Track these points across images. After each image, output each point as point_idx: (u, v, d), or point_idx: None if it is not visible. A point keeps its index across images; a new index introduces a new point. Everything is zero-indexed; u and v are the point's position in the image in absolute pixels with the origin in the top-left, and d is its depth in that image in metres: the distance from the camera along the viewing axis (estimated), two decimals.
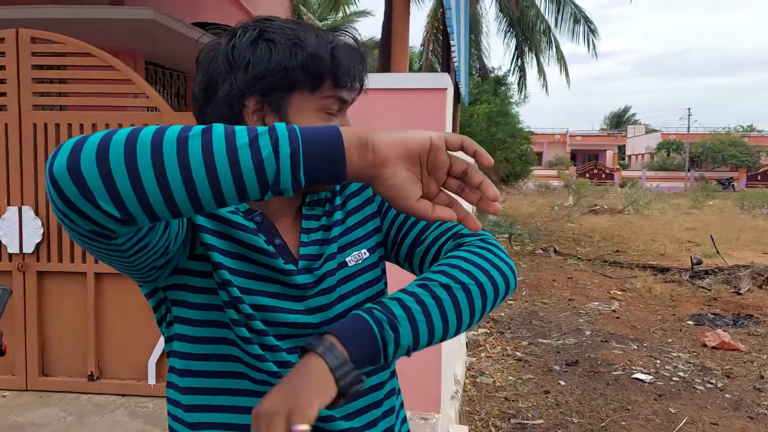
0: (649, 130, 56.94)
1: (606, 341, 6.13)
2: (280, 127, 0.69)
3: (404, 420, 1.08)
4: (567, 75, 21.63)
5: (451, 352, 3.94)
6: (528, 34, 20.05)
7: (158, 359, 3.53)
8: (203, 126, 0.69)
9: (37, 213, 3.55)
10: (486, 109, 14.52)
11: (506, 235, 12.50)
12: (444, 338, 0.86)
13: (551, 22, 19.94)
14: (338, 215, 1.00)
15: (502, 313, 7.10)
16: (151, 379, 3.51)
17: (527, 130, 21.88)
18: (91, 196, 0.66)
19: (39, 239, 3.54)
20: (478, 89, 17.24)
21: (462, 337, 5.62)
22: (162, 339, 3.45)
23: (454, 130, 10.05)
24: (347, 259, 0.98)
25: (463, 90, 8.74)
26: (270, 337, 0.91)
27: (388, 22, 10.56)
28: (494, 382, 4.94)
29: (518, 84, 20.99)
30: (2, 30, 3.55)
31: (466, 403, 4.46)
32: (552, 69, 28.71)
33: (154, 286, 0.94)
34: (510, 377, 5.08)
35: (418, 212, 0.73)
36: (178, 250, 0.90)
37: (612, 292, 8.50)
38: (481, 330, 6.38)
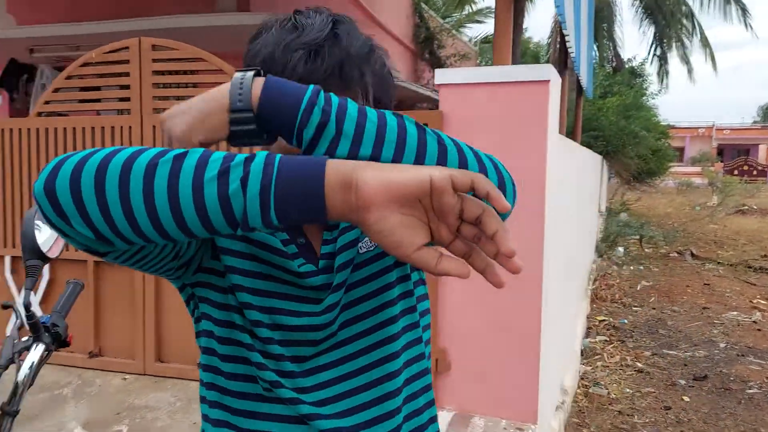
0: None
1: (742, 355, 5.54)
2: (258, 158, 0.64)
3: (433, 419, 0.99)
4: (714, 62, 19.94)
5: (554, 360, 3.73)
6: (668, 19, 18.68)
7: None
8: (179, 151, 0.66)
9: None
10: (617, 101, 13.67)
11: (637, 237, 11.73)
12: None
13: (695, 6, 18.47)
14: None
15: (625, 320, 6.65)
16: None
17: (665, 123, 20.37)
18: (66, 218, 0.66)
19: None
20: (609, 81, 16.28)
21: (576, 345, 5.32)
22: None
23: (575, 125, 9.55)
24: (360, 245, 0.90)
25: (585, 82, 8.27)
26: (274, 346, 0.87)
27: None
28: (609, 393, 4.62)
29: (658, 74, 19.65)
30: (126, 39, 3.83)
31: (575, 415, 4.20)
32: (695, 57, 26.66)
33: (181, 283, 0.95)
34: (627, 389, 4.73)
35: (418, 263, 0.64)
36: (198, 251, 0.89)
37: (755, 301, 7.69)
38: (599, 337, 6.01)
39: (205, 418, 0.96)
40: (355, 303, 0.89)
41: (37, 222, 1.27)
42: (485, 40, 22.03)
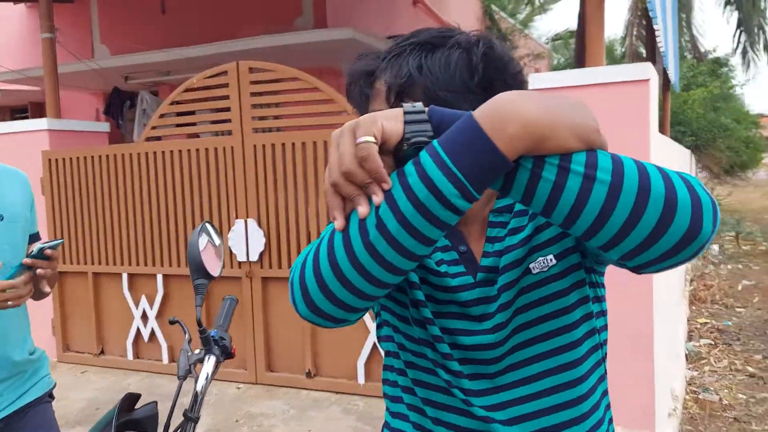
0: None
1: None
2: (422, 157, 0.71)
3: None
4: None
5: (665, 364, 3.62)
6: (750, 7, 17.73)
7: (366, 360, 3.73)
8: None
9: (259, 225, 3.97)
10: (703, 93, 13.11)
11: (732, 234, 11.17)
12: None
13: None
14: (530, 211, 0.93)
15: (729, 322, 6.35)
16: (361, 379, 3.73)
17: (755, 113, 19.34)
18: (335, 318, 0.80)
19: (262, 248, 3.94)
20: (692, 72, 15.65)
21: (680, 348, 5.13)
22: (370, 341, 3.65)
23: (663, 120, 9.23)
24: (531, 266, 0.90)
25: (672, 76, 7.99)
26: (453, 362, 0.91)
27: (584, 9, 10.06)
28: (721, 399, 4.43)
29: (743, 63, 18.67)
30: (225, 64, 4.02)
31: (687, 422, 4.05)
32: None
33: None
34: (740, 395, 4.51)
35: None
36: None
37: None
38: (703, 340, 5.77)
39: (396, 400, 1.01)
40: (526, 326, 0.91)
41: (200, 241, 1.38)
42: (556, 38, 21.62)
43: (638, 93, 2.95)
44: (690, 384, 4.74)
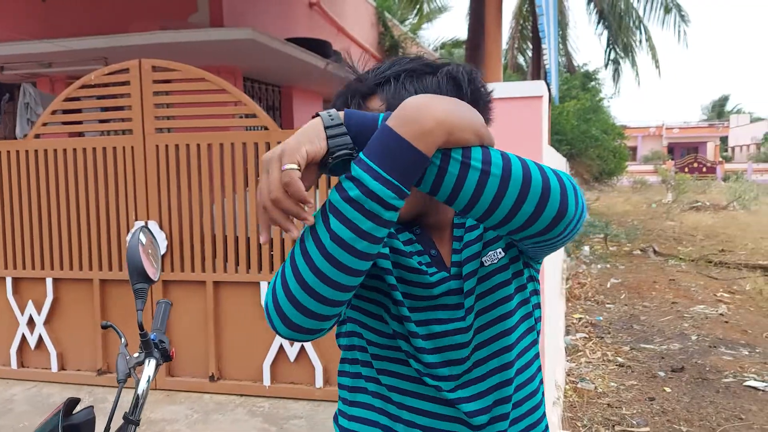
0: (755, 119, 53.23)
1: (714, 347, 5.88)
2: (353, 170, 0.82)
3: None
4: (657, 66, 20.70)
5: (551, 357, 3.95)
6: (619, 23, 19.35)
7: (272, 362, 3.77)
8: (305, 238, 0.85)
9: (161, 227, 3.88)
10: (576, 105, 14.18)
11: (601, 236, 12.16)
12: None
13: (640, 11, 19.16)
14: None
15: (600, 317, 6.95)
16: (266, 381, 3.75)
17: (620, 124, 21.10)
18: (302, 328, 0.89)
19: (164, 251, 3.86)
20: (566, 85, 16.85)
21: (560, 342, 5.57)
22: (276, 343, 3.68)
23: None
24: (483, 259, 1.04)
25: (553, 90, 8.62)
26: (426, 354, 1.03)
27: (475, 21, 10.57)
28: (596, 388, 4.87)
29: (613, 77, 20.31)
30: (127, 62, 3.90)
31: (568, 409, 4.43)
32: (644, 60, 27.43)
33: None
34: (612, 383, 4.99)
35: None
36: None
37: (719, 294, 8.10)
38: (579, 334, 6.29)
39: (356, 390, 1.11)
40: (484, 311, 1.05)
41: (147, 247, 1.40)
42: (442, 46, 22.41)
43: (533, 108, 3.22)
44: (569, 375, 5.17)
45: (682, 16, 17.52)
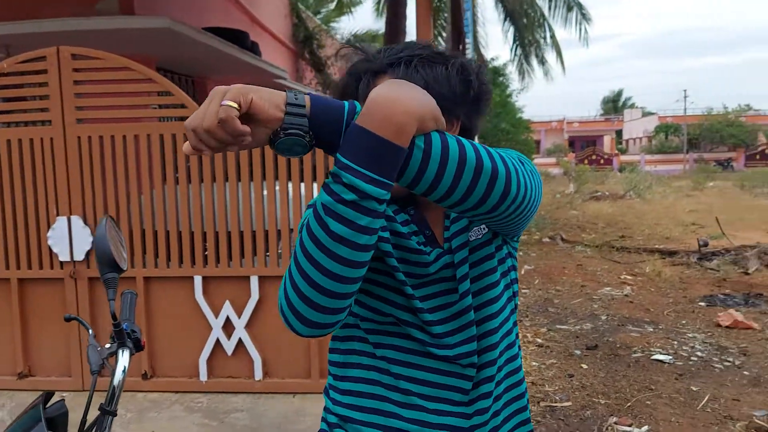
0: (646, 114, 57.06)
1: (622, 325, 6.30)
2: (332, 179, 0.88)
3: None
4: (562, 62, 21.72)
5: None
6: (525, 21, 20.14)
7: (209, 357, 3.71)
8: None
9: (85, 222, 3.72)
10: None
11: None
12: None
13: (545, 10, 20.03)
14: None
15: (518, 300, 7.27)
16: (203, 376, 3.69)
17: (526, 119, 22.01)
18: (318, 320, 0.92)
19: (89, 246, 3.70)
20: None
21: None
22: (213, 338, 3.63)
23: None
24: (469, 234, 1.12)
25: None
26: (436, 327, 1.11)
27: (392, 15, 10.72)
28: None
29: (519, 73, 21.10)
30: (43, 49, 3.70)
31: None
32: (548, 56, 28.68)
33: None
34: (534, 363, 5.25)
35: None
36: None
37: (622, 277, 8.67)
38: None
39: (346, 366, 1.17)
40: (474, 279, 1.13)
41: (113, 237, 1.37)
42: (358, 39, 22.46)
43: None
44: None
45: (583, 15, 18.46)
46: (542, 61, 21.30)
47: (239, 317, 3.68)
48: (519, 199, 0.96)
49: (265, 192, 3.67)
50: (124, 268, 1.39)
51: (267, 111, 0.84)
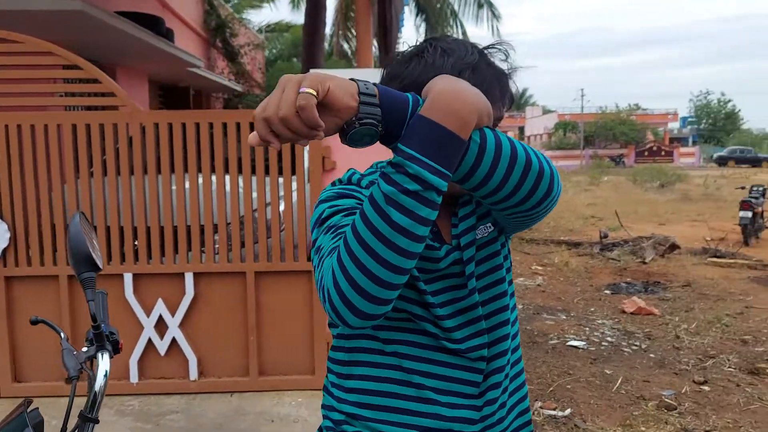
0: (546, 111, 59.73)
1: (538, 313, 6.61)
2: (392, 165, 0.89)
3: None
4: None
5: None
6: (437, 17, 20.53)
7: (140, 358, 3.56)
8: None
9: (1, 217, 3.46)
10: None
11: None
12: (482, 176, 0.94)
13: (456, 6, 20.52)
14: None
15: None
16: (134, 378, 3.54)
17: None
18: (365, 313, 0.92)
19: (6, 244, 3.45)
20: None
21: None
22: (145, 338, 3.49)
23: None
24: (476, 231, 1.15)
25: None
26: (446, 320, 1.13)
27: (312, 6, 10.62)
28: None
29: None
30: None
31: None
32: None
33: None
34: None
35: None
36: None
37: (533, 267, 9.07)
38: None
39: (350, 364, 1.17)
40: (483, 275, 1.17)
41: (87, 233, 1.30)
42: (269, 29, 22.12)
43: None
44: None
45: (493, 13, 19.06)
46: None
47: (173, 316, 3.56)
48: (555, 197, 1.03)
49: (200, 181, 3.56)
50: (101, 267, 1.32)
51: (342, 100, 0.83)
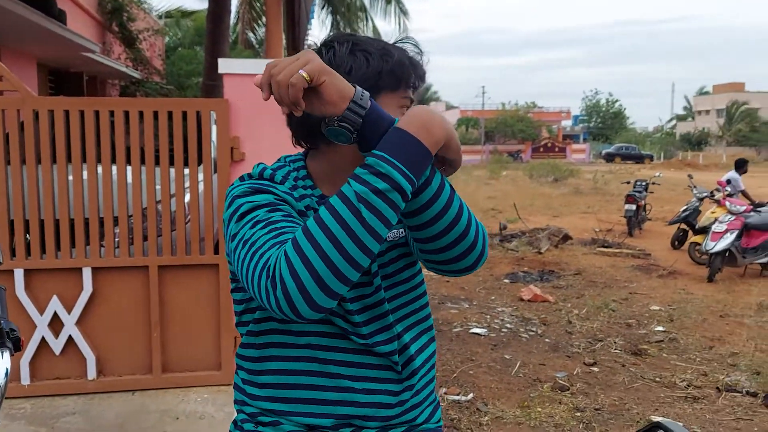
0: (449, 107, 61.25)
1: (442, 302, 6.82)
2: (370, 168, 0.96)
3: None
4: None
5: None
6: (344, 10, 20.49)
7: (32, 358, 3.37)
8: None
9: None
10: None
11: None
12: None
13: (366, 1, 20.57)
14: None
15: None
16: (25, 380, 3.35)
17: None
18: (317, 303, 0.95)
19: None
20: None
21: None
22: (38, 336, 3.30)
23: None
24: (388, 236, 1.17)
25: None
26: (354, 315, 1.17)
27: None
28: None
29: None
30: None
31: None
32: None
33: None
34: None
35: None
36: None
37: None
38: None
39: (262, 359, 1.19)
40: (394, 274, 1.21)
41: None
42: (168, 15, 21.27)
43: None
44: None
45: (401, 9, 19.26)
46: None
47: (69, 313, 3.38)
48: (472, 269, 1.17)
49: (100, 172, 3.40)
50: (1, 260, 1.26)
51: (331, 96, 0.95)
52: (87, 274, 3.39)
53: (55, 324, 3.39)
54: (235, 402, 1.25)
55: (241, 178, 1.17)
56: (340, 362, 1.16)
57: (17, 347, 1.30)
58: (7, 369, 1.23)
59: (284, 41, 6.97)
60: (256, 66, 3.43)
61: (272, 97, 0.96)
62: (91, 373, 3.43)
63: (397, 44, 1.17)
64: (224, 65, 3.38)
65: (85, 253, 3.42)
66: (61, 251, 3.40)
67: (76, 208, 3.37)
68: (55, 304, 3.37)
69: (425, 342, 1.29)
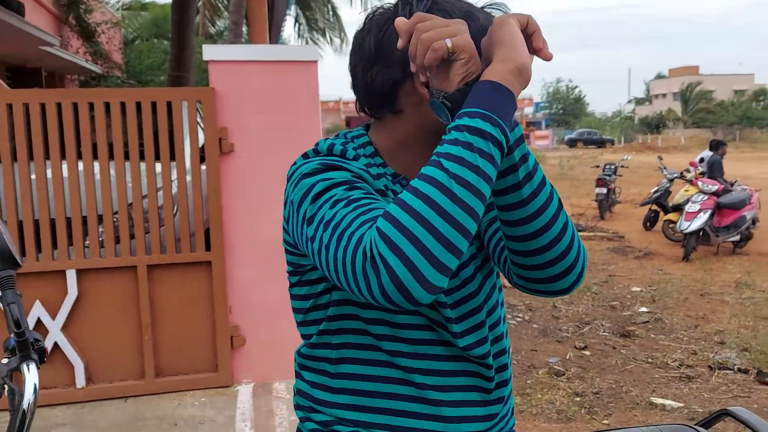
0: None
1: None
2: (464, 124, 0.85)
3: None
4: (344, 42, 22.27)
5: None
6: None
7: None
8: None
9: None
10: None
11: None
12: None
13: None
14: None
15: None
16: None
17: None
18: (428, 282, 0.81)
19: None
20: None
21: None
22: None
23: None
24: None
25: None
26: (453, 324, 1.05)
27: None
28: None
29: None
30: None
31: None
32: (330, 34, 28.96)
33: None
34: None
35: None
36: None
37: None
38: None
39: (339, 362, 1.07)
40: (487, 273, 1.11)
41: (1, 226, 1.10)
42: (126, 7, 20.71)
43: (307, 72, 3.29)
44: None
45: None
46: (329, 40, 21.58)
47: (53, 319, 3.21)
48: (576, 281, 1.04)
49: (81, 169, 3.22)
50: (21, 264, 1.13)
51: (453, 76, 0.89)
52: (71, 276, 3.21)
53: (39, 330, 3.20)
54: (298, 408, 1.14)
55: (305, 156, 1.04)
56: (424, 371, 1.04)
57: (42, 359, 1.17)
58: (35, 384, 1.11)
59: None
60: (243, 52, 3.29)
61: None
62: (80, 380, 3.26)
63: (486, 8, 1.05)
64: (210, 52, 3.23)
65: (69, 254, 3.24)
66: (42, 253, 3.21)
67: (57, 208, 3.18)
68: (38, 310, 3.19)
69: (507, 346, 1.17)
